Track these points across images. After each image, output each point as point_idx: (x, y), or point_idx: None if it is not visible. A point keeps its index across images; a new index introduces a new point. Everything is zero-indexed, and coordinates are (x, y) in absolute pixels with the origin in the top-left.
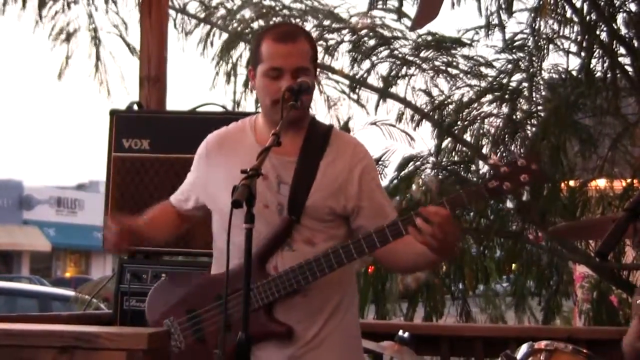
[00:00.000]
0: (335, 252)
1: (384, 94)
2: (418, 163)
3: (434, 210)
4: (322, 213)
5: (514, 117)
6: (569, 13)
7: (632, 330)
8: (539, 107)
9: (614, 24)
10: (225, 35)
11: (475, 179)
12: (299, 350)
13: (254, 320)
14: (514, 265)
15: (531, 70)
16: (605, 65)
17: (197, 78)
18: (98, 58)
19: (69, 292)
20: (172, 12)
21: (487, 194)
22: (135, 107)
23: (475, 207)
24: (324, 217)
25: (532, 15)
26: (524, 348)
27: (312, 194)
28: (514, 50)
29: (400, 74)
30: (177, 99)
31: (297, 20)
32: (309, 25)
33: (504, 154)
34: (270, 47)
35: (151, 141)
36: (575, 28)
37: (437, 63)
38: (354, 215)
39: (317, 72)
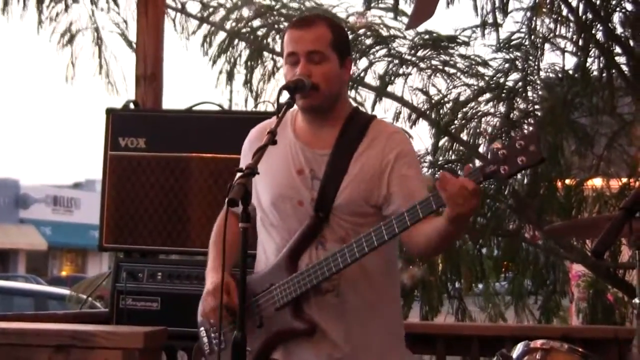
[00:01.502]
0: (366, 236)
1: (381, 92)
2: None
3: (464, 182)
4: (353, 207)
5: (511, 116)
6: (565, 12)
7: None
8: (536, 106)
9: (610, 24)
10: (223, 35)
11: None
12: (334, 354)
13: (281, 318)
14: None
15: (528, 69)
16: (602, 64)
17: (194, 77)
18: (101, 57)
19: (65, 291)
20: (171, 12)
21: (484, 179)
22: (132, 106)
23: None
24: (356, 211)
25: (528, 14)
26: (519, 347)
27: (342, 190)
28: (510, 50)
29: (397, 73)
30: (174, 98)
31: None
32: None
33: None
34: (288, 34)
35: (147, 140)
36: (571, 27)
37: (434, 62)
38: (386, 204)
39: (345, 56)
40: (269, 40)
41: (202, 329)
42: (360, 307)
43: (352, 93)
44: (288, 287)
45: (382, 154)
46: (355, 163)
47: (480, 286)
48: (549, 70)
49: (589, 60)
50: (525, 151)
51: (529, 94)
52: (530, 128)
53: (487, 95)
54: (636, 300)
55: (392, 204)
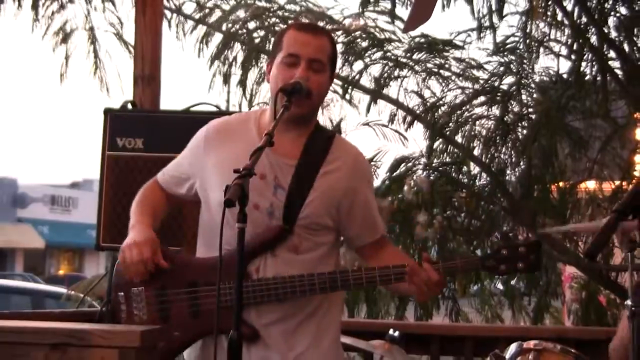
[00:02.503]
0: (331, 279)
1: (376, 95)
2: (410, 164)
3: (428, 272)
4: (315, 221)
5: (505, 119)
6: (559, 16)
7: (618, 334)
8: (530, 110)
9: (604, 28)
10: (220, 36)
11: (466, 181)
12: (274, 355)
13: (226, 316)
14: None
15: (522, 72)
16: (595, 68)
17: (191, 78)
18: (96, 57)
19: (62, 290)
20: (167, 13)
21: (481, 269)
22: (129, 106)
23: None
24: (315, 227)
25: (523, 18)
26: (513, 347)
27: (307, 204)
28: (505, 53)
29: (392, 76)
30: (171, 98)
31: (291, 21)
32: None
33: (510, 234)
34: (292, 35)
35: (145, 140)
36: (566, 31)
37: (429, 65)
38: (346, 226)
39: (334, 73)
40: (265, 42)
41: (121, 293)
42: (302, 309)
43: (347, 95)
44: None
45: (348, 179)
46: (321, 179)
47: (476, 287)
48: (543, 73)
49: (583, 64)
50: (525, 259)
51: (524, 97)
52: (533, 238)
53: (482, 99)
54: (628, 302)
55: (352, 229)
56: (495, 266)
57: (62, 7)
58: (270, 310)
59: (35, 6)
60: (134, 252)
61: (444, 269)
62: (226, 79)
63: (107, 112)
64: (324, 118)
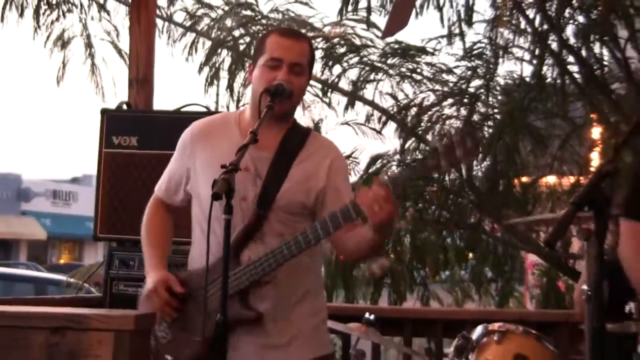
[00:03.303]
0: (295, 240)
1: (353, 96)
2: (384, 161)
3: (374, 189)
4: (291, 207)
5: (473, 119)
6: (522, 24)
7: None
8: (495, 110)
9: (563, 35)
10: (208, 43)
11: (436, 176)
12: (272, 339)
13: (229, 307)
14: (471, 255)
15: (488, 76)
16: (556, 72)
17: (182, 80)
18: (93, 63)
19: (63, 278)
20: (159, 21)
21: (424, 172)
22: (125, 107)
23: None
24: (293, 211)
25: (489, 26)
26: (479, 329)
27: (282, 191)
28: (472, 58)
29: (368, 79)
30: (164, 100)
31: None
32: None
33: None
34: (275, 40)
35: (139, 138)
36: (528, 38)
37: (402, 69)
38: (319, 205)
39: (311, 75)
40: (250, 48)
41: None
42: (294, 297)
43: (327, 97)
44: (234, 280)
45: (320, 162)
46: (295, 168)
47: (447, 274)
48: (507, 77)
49: (544, 68)
50: (462, 146)
51: (489, 99)
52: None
53: (451, 100)
54: (584, 287)
55: (324, 206)
56: (437, 164)
57: (62, 15)
58: (266, 296)
59: (36, 15)
60: (155, 300)
61: (390, 180)
62: (213, 82)
63: (104, 112)
64: (305, 118)
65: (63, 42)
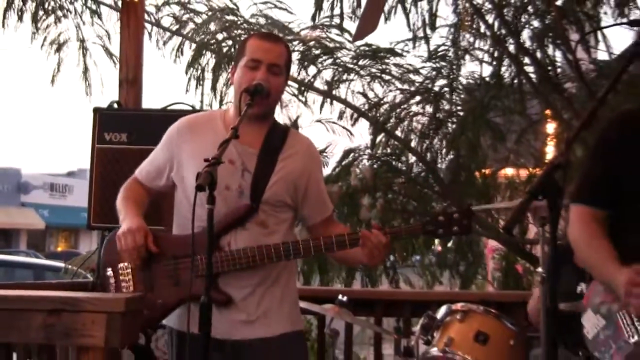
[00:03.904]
0: (293, 246)
1: (328, 95)
2: (356, 155)
3: (378, 236)
4: (277, 201)
5: (437, 116)
6: (482, 28)
7: (534, 297)
8: (458, 108)
9: (520, 38)
10: (194, 46)
11: (404, 169)
12: (244, 315)
13: (200, 285)
14: (437, 241)
15: (451, 76)
16: (513, 72)
17: (169, 81)
18: (85, 64)
19: (60, 264)
20: (148, 26)
21: (422, 234)
22: (115, 106)
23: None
24: (277, 203)
25: (452, 30)
26: (443, 309)
27: (270, 184)
28: (437, 60)
29: (341, 79)
30: (152, 99)
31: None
32: None
33: (446, 206)
34: (254, 43)
35: (129, 135)
36: (488, 41)
37: (372, 70)
38: (301, 205)
39: (288, 76)
40: (233, 50)
41: (109, 269)
42: (267, 280)
43: (303, 96)
44: (214, 262)
45: (303, 164)
46: (280, 164)
47: (418, 258)
48: (469, 77)
49: (503, 68)
50: (459, 223)
51: (453, 97)
52: (466, 207)
53: (417, 98)
54: (540, 270)
55: (306, 208)
56: (434, 230)
57: (58, 20)
58: (241, 278)
59: (34, 20)
60: (128, 240)
61: (390, 234)
62: (200, 82)
63: (96, 110)
64: (283, 116)
65: (58, 45)
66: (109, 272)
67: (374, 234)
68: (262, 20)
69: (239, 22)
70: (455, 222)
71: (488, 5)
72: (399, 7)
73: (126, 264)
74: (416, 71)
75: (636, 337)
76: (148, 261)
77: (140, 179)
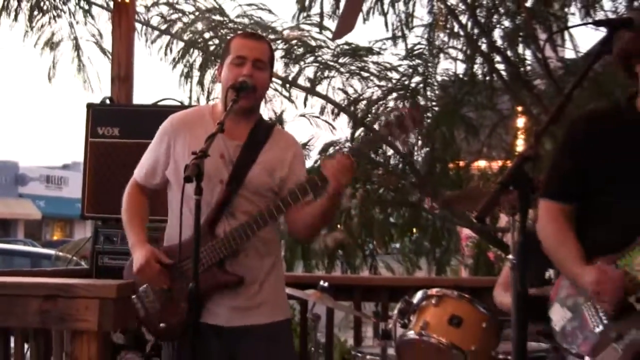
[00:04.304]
0: (266, 208)
1: (310, 92)
2: (337, 147)
3: (338, 157)
4: (258, 188)
5: None
6: (456, 28)
7: (497, 282)
8: (433, 103)
9: (492, 37)
10: (181, 44)
11: (382, 161)
12: (243, 303)
13: (209, 275)
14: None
15: (427, 73)
16: (485, 70)
17: (159, 77)
18: (79, 62)
19: (55, 253)
20: (138, 25)
21: (379, 140)
22: (108, 101)
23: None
24: (260, 192)
25: (427, 29)
26: (419, 294)
27: (250, 173)
28: (413, 58)
29: (323, 76)
30: (142, 95)
31: (240, 32)
32: None
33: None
34: (239, 42)
35: (120, 129)
36: (462, 40)
37: (352, 67)
38: (282, 189)
39: (272, 72)
40: (219, 49)
41: (134, 297)
42: (263, 265)
43: (286, 92)
44: (212, 251)
45: (283, 152)
46: (263, 156)
47: (397, 246)
48: (443, 74)
49: (475, 66)
50: (412, 117)
51: (428, 93)
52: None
53: (395, 95)
54: (510, 256)
55: (286, 189)
56: (390, 132)
57: (52, 19)
58: (241, 264)
59: (29, 19)
60: (147, 273)
61: (350, 152)
62: (188, 79)
63: (90, 106)
64: (268, 111)
65: (53, 44)
66: (134, 299)
67: (335, 157)
68: (246, 21)
69: (225, 22)
70: (406, 118)
71: (461, 6)
72: (377, 7)
73: (145, 286)
74: (393, 69)
75: (601, 327)
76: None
77: (140, 181)
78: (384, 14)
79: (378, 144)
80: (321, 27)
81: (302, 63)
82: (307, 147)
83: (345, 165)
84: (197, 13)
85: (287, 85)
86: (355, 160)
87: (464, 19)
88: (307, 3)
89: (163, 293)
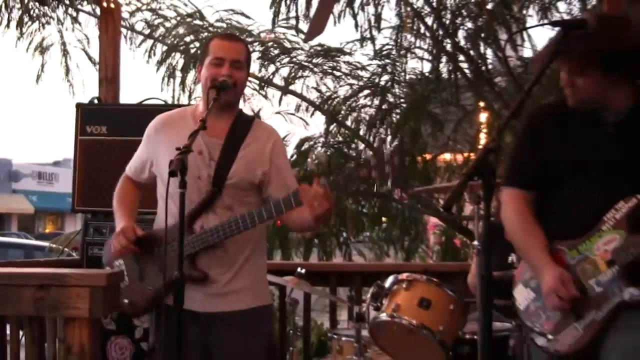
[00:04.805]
0: (249, 215)
1: (285, 90)
2: (312, 143)
3: (315, 188)
4: (240, 184)
5: (383, 107)
6: (422, 30)
7: (470, 270)
8: (401, 100)
9: (456, 38)
10: (164, 47)
11: (354, 154)
12: (217, 289)
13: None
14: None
15: (395, 72)
16: (450, 68)
17: (143, 79)
18: (67, 65)
19: (48, 244)
20: (123, 30)
21: (357, 181)
22: (96, 101)
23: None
24: (242, 187)
25: (395, 31)
26: (390, 279)
27: (232, 171)
28: (382, 58)
29: (297, 76)
30: (128, 95)
31: None
32: None
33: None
34: (217, 43)
35: (108, 127)
36: (427, 41)
37: (325, 67)
38: (264, 186)
39: (249, 71)
40: (199, 52)
41: (107, 268)
42: (239, 258)
43: (263, 91)
44: (187, 245)
45: (263, 147)
46: (243, 151)
47: (367, 234)
48: (411, 73)
49: (441, 65)
50: (391, 163)
51: (396, 91)
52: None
53: (365, 92)
54: (475, 243)
55: (269, 188)
56: (368, 174)
57: (42, 26)
58: (217, 257)
59: (20, 26)
60: (120, 239)
61: (329, 184)
62: (171, 80)
63: (79, 106)
64: (246, 109)
65: (42, 49)
66: (119, 263)
67: (313, 187)
68: (225, 25)
69: (205, 26)
70: (386, 162)
71: (427, 9)
72: (348, 10)
73: (120, 261)
74: (364, 68)
75: None
76: (139, 256)
77: (130, 175)
78: (354, 16)
79: (354, 183)
80: (297, 29)
81: (277, 63)
82: (284, 141)
83: (319, 194)
84: (178, 18)
85: (264, 85)
86: (330, 191)
87: (429, 20)
88: (281, 8)
89: (134, 271)
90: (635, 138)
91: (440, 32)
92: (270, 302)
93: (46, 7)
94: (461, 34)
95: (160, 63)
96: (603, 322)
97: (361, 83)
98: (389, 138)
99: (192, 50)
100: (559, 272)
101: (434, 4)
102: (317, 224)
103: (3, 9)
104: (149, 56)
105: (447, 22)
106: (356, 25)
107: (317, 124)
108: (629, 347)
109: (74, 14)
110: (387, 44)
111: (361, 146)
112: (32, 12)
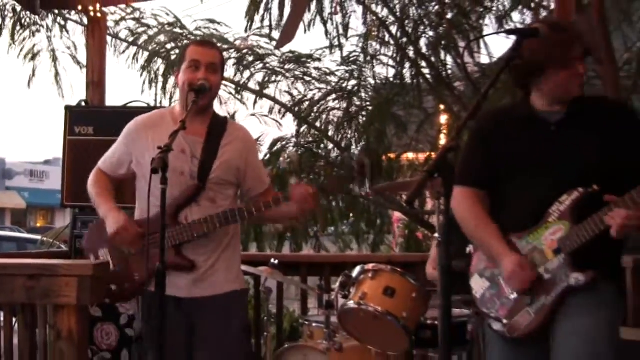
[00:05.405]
0: (231, 213)
1: (259, 94)
2: (284, 143)
3: (305, 187)
4: (221, 180)
5: (350, 110)
6: (387, 38)
7: (429, 261)
8: (368, 103)
9: (418, 45)
10: (147, 54)
11: (324, 154)
12: (200, 275)
13: (167, 255)
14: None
15: (362, 78)
16: (413, 74)
17: (127, 83)
18: (56, 70)
19: (39, 237)
20: (109, 38)
21: (336, 189)
22: (83, 104)
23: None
24: (222, 183)
25: (362, 39)
26: (357, 269)
27: (214, 168)
28: (349, 64)
29: (270, 80)
30: (114, 98)
31: None
32: None
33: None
34: (193, 49)
35: (95, 128)
36: (392, 48)
37: (296, 72)
38: (242, 182)
39: (223, 75)
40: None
41: (91, 255)
42: (220, 245)
43: (239, 95)
44: (174, 235)
45: (241, 148)
46: (222, 150)
47: (332, 229)
48: (376, 78)
49: (404, 70)
50: (360, 172)
51: (363, 94)
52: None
53: (334, 96)
54: (436, 235)
55: (246, 184)
56: (353, 178)
57: (32, 34)
58: (201, 245)
59: (12, 34)
60: (125, 235)
61: (318, 187)
62: (152, 84)
63: (67, 108)
64: (222, 112)
65: (33, 55)
66: (92, 259)
67: (302, 186)
68: (203, 33)
69: (185, 34)
70: (357, 172)
71: (392, 19)
72: (318, 19)
73: (105, 250)
74: (332, 73)
75: (515, 294)
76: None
77: (104, 170)
78: (324, 23)
79: (340, 186)
80: (270, 37)
81: (252, 69)
82: (258, 142)
83: (310, 194)
84: (160, 27)
85: (240, 89)
86: (317, 193)
87: (394, 29)
88: (255, 17)
89: (120, 259)
90: (575, 135)
91: (404, 40)
92: (246, 287)
93: (36, 16)
94: (423, 41)
95: (143, 68)
96: (552, 306)
97: (330, 87)
98: (355, 138)
99: (173, 57)
100: (517, 258)
101: (398, 14)
102: (299, 218)
103: None
104: (132, 61)
105: (410, 30)
106: (326, 33)
107: (289, 125)
108: (589, 327)
109: (63, 23)
110: (354, 51)
111: (330, 146)
112: (23, 20)
